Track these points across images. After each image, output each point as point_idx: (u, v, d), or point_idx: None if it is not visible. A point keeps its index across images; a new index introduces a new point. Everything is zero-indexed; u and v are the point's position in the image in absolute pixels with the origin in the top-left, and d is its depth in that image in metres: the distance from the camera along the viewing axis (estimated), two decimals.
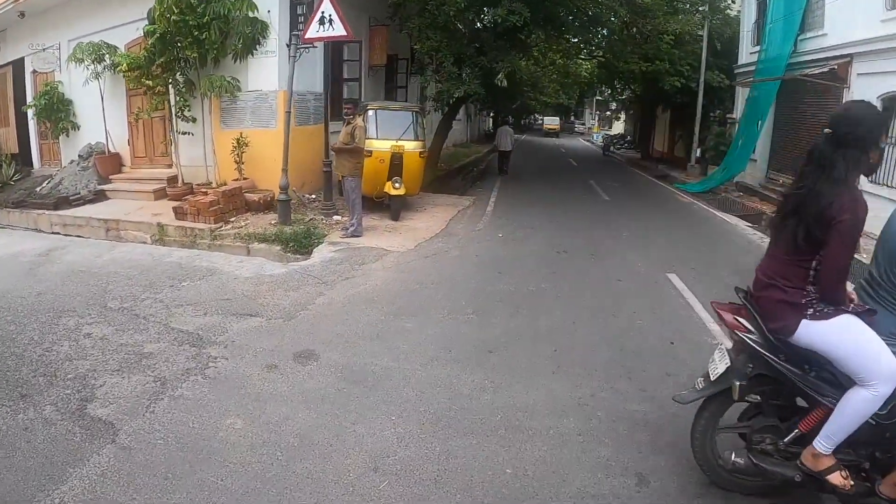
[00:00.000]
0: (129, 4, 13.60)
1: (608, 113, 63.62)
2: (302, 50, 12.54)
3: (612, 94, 44.51)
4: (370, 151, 12.50)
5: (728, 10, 28.58)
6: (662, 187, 22.99)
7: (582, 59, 42.15)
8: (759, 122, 20.43)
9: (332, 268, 9.25)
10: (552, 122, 69.21)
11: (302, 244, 10.61)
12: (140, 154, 15.35)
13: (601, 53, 33.62)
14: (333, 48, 16.40)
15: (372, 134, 12.80)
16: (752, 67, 21.85)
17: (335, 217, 12.54)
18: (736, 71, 25.13)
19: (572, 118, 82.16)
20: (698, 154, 26.32)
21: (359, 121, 11.35)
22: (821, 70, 16.16)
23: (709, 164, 25.55)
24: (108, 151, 15.20)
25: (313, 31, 11.87)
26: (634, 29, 29.07)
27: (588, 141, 59.06)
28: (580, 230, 12.78)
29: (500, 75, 15.96)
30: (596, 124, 66.37)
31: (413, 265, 9.61)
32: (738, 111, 24.45)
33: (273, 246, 10.64)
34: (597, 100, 60.92)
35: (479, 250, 10.65)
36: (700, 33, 30.03)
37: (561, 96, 48.36)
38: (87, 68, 13.30)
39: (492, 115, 42.25)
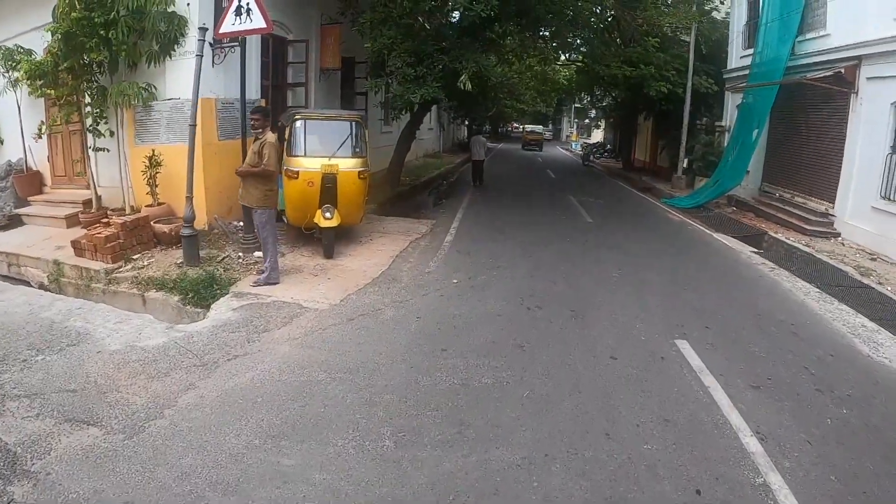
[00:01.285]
0: (49, 3, 10.97)
1: (587, 121, 60.75)
2: (226, 50, 10.70)
3: (591, 102, 42.07)
4: (296, 172, 10.04)
5: (715, 11, 26.16)
6: (649, 203, 20.44)
7: (560, 64, 40.13)
8: (756, 131, 18.17)
9: (223, 337, 6.64)
10: (534, 130, 57.23)
11: (201, 295, 8.16)
12: (60, 173, 12.99)
13: (581, 58, 31.71)
14: (276, 49, 14.34)
15: (299, 150, 10.32)
16: (744, 72, 20.10)
17: (256, 254, 9.93)
18: (725, 76, 23.08)
19: (550, 125, 78.86)
20: (685, 164, 23.82)
21: (269, 136, 8.60)
22: (824, 74, 14.55)
23: (696, 176, 23.41)
24: (28, 169, 12.89)
25: (229, 24, 9.88)
26: (616, 33, 26.89)
27: (566, 149, 56.54)
28: (559, 270, 10.08)
29: (463, 77, 13.29)
30: (575, 132, 62.54)
31: (329, 335, 6.87)
32: (727, 119, 22.55)
33: (171, 296, 8.40)
34: (576, 107, 58.33)
35: (424, 307, 7.90)
36: (685, 38, 27.99)
37: (539, 104, 46.05)
38: (3, 76, 11.35)
39: (466, 123, 39.54)
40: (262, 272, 8.73)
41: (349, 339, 6.76)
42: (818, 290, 9.67)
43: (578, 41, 26.85)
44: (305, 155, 10.23)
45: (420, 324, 7.27)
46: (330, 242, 10.17)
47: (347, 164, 10.23)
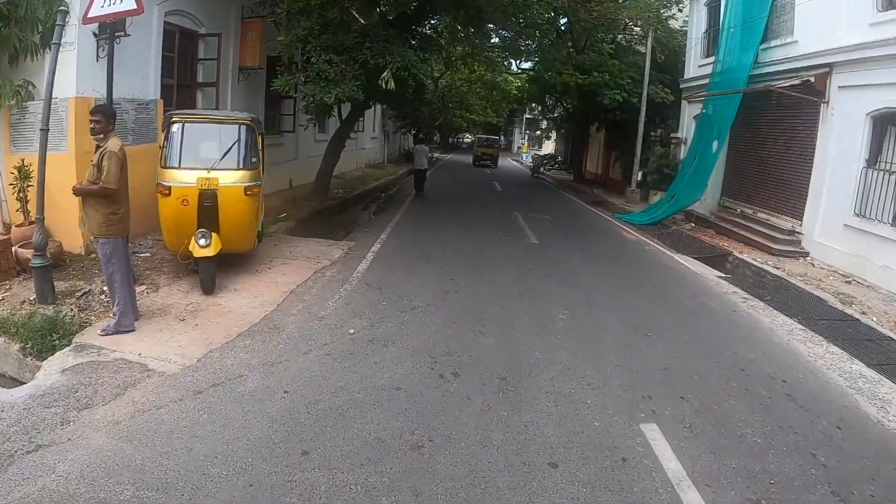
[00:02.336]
0: None
1: (538, 132, 59.04)
2: (112, 39, 8.88)
3: (542, 112, 40.37)
4: (168, 188, 7.89)
5: (672, 20, 24.55)
6: (602, 219, 18.52)
7: (511, 74, 38.44)
8: (716, 143, 16.68)
9: (37, 414, 4.69)
10: (489, 140, 45.68)
11: (41, 345, 6.24)
12: None
13: (532, 67, 30.00)
14: (183, 44, 12.39)
15: (173, 161, 8.12)
16: (703, 81, 18.83)
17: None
18: (682, 86, 21.65)
19: (501, 136, 75.62)
20: (639, 177, 22.08)
21: (112, 143, 6.36)
22: (791, 82, 13.29)
23: (650, 189, 21.80)
24: None
25: (97, 7, 8.22)
26: (568, 38, 25.09)
27: (517, 161, 54.50)
28: (491, 311, 7.90)
29: (385, 74, 11.14)
30: (526, 143, 60.35)
31: (162, 418, 4.70)
32: (683, 130, 21.23)
33: (12, 343, 6.38)
34: (526, 118, 56.60)
35: (299, 375, 5.64)
36: (641, 48, 26.43)
37: (489, 114, 44.30)
38: None
39: (413, 133, 37.44)
40: (113, 317, 6.52)
41: (184, 426, 4.56)
42: (801, 326, 8.18)
43: (530, 47, 25.13)
44: (180, 166, 8.04)
45: (286, 403, 5.04)
46: (208, 275, 7.90)
47: (231, 178, 8.04)
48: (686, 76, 21.43)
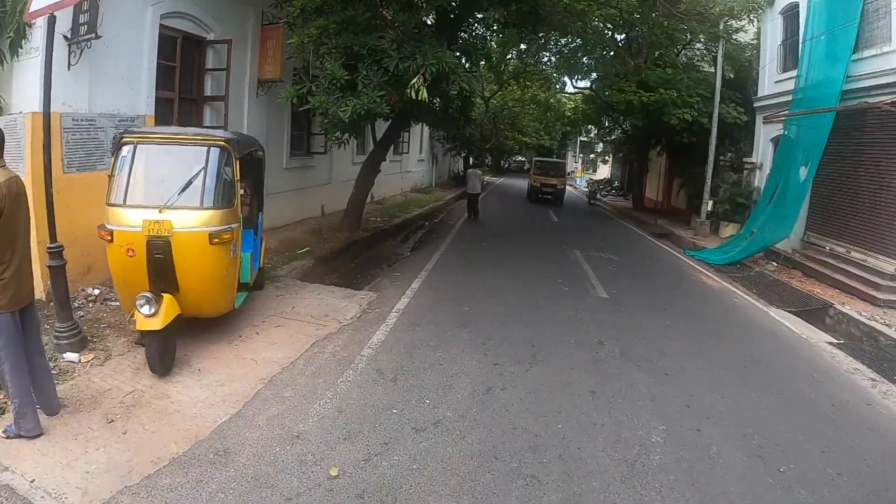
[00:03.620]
0: None
1: (592, 156, 55.88)
2: (83, 45, 7.47)
3: (599, 134, 37.52)
4: (110, 232, 5.65)
5: (742, 32, 21.69)
6: (672, 257, 15.69)
7: (564, 94, 35.88)
8: (804, 170, 13.88)
9: None
10: (549, 164, 32.14)
11: None
12: None
13: (588, 86, 27.48)
14: (188, 51, 10.46)
15: (118, 196, 5.82)
16: (781, 99, 16.33)
17: (69, 356, 5.89)
18: (756, 104, 18.81)
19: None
20: (709, 208, 19.19)
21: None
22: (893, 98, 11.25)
23: (720, 221, 18.99)
24: None
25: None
26: (631, 50, 22.37)
27: (571, 185, 51.28)
28: (553, 427, 5.25)
29: (416, 80, 8.62)
30: (580, 167, 56.92)
31: None
32: (758, 154, 18.61)
33: None
34: (581, 140, 53.64)
35: None
36: (706, 67, 23.71)
37: (542, 136, 41.74)
38: None
39: (462, 156, 35.07)
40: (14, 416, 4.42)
41: None
42: None
43: (588, 63, 22.67)
44: (125, 203, 5.74)
45: None
46: (156, 354, 5.54)
47: (190, 221, 5.72)
48: (760, 93, 18.71)
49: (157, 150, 6.12)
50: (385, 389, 5.67)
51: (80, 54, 7.61)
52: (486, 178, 37.47)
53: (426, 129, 29.20)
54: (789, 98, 15.28)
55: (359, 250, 13.18)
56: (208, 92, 11.05)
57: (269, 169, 13.19)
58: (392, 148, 23.11)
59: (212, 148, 6.05)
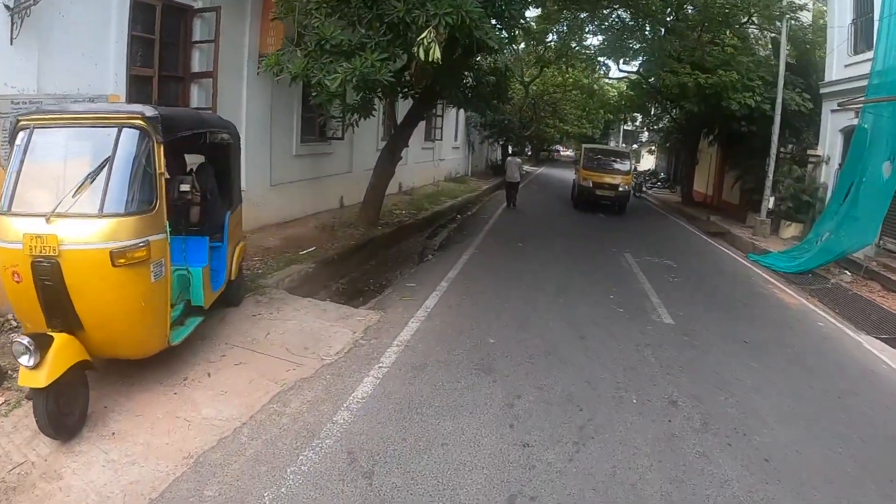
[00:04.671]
0: None
1: (635, 146, 52.87)
2: (23, 12, 5.92)
3: (646, 122, 34.81)
4: None
5: (805, 11, 19.16)
6: (735, 262, 13.44)
7: (608, 79, 33.41)
8: (887, 165, 11.54)
9: None
10: (606, 160, 21.28)
11: None
12: None
13: (636, 70, 25.08)
14: (170, 22, 8.78)
15: (5, 199, 4.04)
16: (854, 84, 14.07)
17: None
18: (823, 90, 16.41)
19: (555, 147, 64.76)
20: (770, 205, 16.78)
21: None
22: None
23: (782, 219, 16.65)
24: None
25: None
26: (683, 27, 19.84)
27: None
28: None
29: (426, 35, 6.40)
30: None
31: None
32: (825, 146, 16.26)
33: None
34: (624, 129, 50.70)
35: None
36: (763, 48, 21.17)
37: (584, 125, 39.29)
38: None
39: (500, 144, 32.82)
40: None
41: None
42: None
43: (635, 44, 20.30)
44: (9, 210, 4.00)
45: None
46: (45, 415, 3.80)
47: (84, 235, 3.92)
48: (827, 78, 16.28)
49: (56, 136, 4.30)
50: (352, 493, 3.71)
51: (21, 24, 5.97)
52: (526, 167, 34.50)
53: (462, 114, 27.14)
54: (863, 83, 13.01)
55: (374, 250, 11.27)
56: (196, 68, 9.25)
57: (275, 157, 11.42)
58: (424, 134, 21.23)
59: (124, 129, 4.18)
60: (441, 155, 23.94)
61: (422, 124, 20.49)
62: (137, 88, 8.02)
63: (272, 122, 10.92)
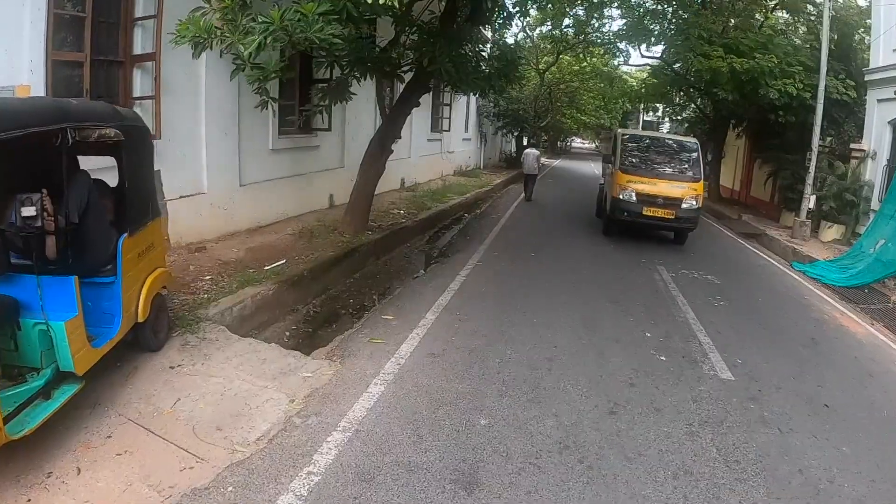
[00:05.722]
0: None
1: None
2: None
3: (667, 112, 32.62)
4: None
5: None
6: (783, 274, 11.53)
7: (629, 65, 31.39)
8: None
9: None
10: (667, 166, 13.20)
11: None
12: None
13: (661, 53, 23.02)
14: None
15: None
16: None
17: None
18: (868, 77, 14.95)
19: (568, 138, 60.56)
20: (811, 204, 14.88)
21: None
22: None
23: (822, 220, 14.84)
24: None
25: None
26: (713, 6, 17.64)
27: None
28: None
29: None
30: None
31: None
32: (871, 140, 14.67)
33: None
34: (645, 120, 48.30)
35: None
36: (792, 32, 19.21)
37: (602, 115, 37.24)
38: None
39: (514, 134, 30.75)
40: None
41: None
42: None
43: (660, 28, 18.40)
44: None
45: None
46: None
47: None
48: (873, 64, 14.64)
49: None
50: None
51: None
52: (542, 159, 31.99)
53: (473, 103, 25.24)
54: None
55: (359, 261, 9.49)
56: (139, 49, 7.50)
57: (246, 152, 9.55)
58: (430, 124, 19.37)
59: None
60: (450, 147, 22.04)
61: (428, 114, 18.71)
62: (64, 76, 6.43)
63: (242, 111, 9.16)
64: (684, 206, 12.19)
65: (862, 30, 17.82)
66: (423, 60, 8.31)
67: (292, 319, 7.22)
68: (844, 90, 15.61)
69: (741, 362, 6.23)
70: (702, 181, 12.87)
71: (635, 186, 12.24)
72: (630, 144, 13.63)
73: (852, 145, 15.83)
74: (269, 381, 4.79)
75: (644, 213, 12.16)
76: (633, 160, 13.08)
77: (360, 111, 12.39)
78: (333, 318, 7.48)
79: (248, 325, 6.58)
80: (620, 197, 12.35)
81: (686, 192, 12.32)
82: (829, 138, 16.81)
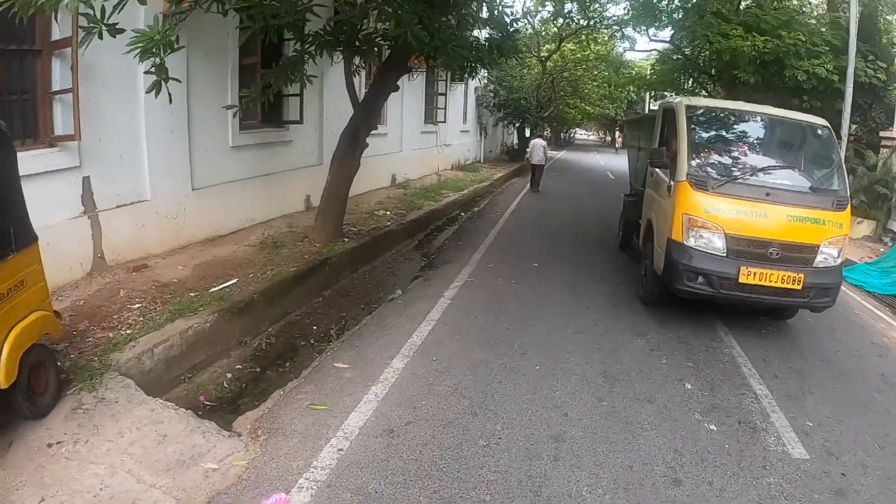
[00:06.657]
0: None
1: None
2: None
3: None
4: None
5: None
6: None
7: (635, 50, 29.95)
8: None
9: None
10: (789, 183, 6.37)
11: None
12: None
13: (671, 38, 21.52)
14: None
15: None
16: None
17: None
18: None
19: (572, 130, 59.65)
20: None
21: None
22: None
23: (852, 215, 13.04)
24: None
25: None
26: None
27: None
28: None
29: None
30: None
31: None
32: None
33: None
34: (651, 110, 46.79)
35: None
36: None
37: (606, 105, 35.80)
38: None
39: (516, 126, 29.21)
40: None
41: None
42: None
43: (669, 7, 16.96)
44: None
45: None
46: None
47: None
48: None
49: None
50: None
51: None
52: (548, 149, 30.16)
53: (471, 93, 23.77)
54: None
55: (331, 275, 8.11)
56: (58, 35, 6.09)
57: (200, 151, 8.03)
58: (424, 115, 17.91)
59: None
60: (446, 139, 20.55)
61: (421, 104, 17.26)
62: None
63: (193, 102, 7.78)
64: (819, 261, 6.15)
65: (885, 9, 16.39)
66: (387, 24, 6.72)
67: (238, 356, 5.86)
68: (874, 72, 14.17)
69: (811, 426, 4.65)
70: (849, 207, 6.42)
71: (724, 220, 6.10)
72: (708, 131, 7.01)
73: (883, 133, 14.52)
74: (159, 476, 3.40)
75: (742, 279, 6.04)
76: (719, 164, 6.59)
77: (340, 100, 10.94)
78: (290, 351, 6.11)
79: (178, 369, 5.23)
80: (691, 245, 6.21)
81: (825, 230, 6.09)
82: (853, 126, 15.39)
